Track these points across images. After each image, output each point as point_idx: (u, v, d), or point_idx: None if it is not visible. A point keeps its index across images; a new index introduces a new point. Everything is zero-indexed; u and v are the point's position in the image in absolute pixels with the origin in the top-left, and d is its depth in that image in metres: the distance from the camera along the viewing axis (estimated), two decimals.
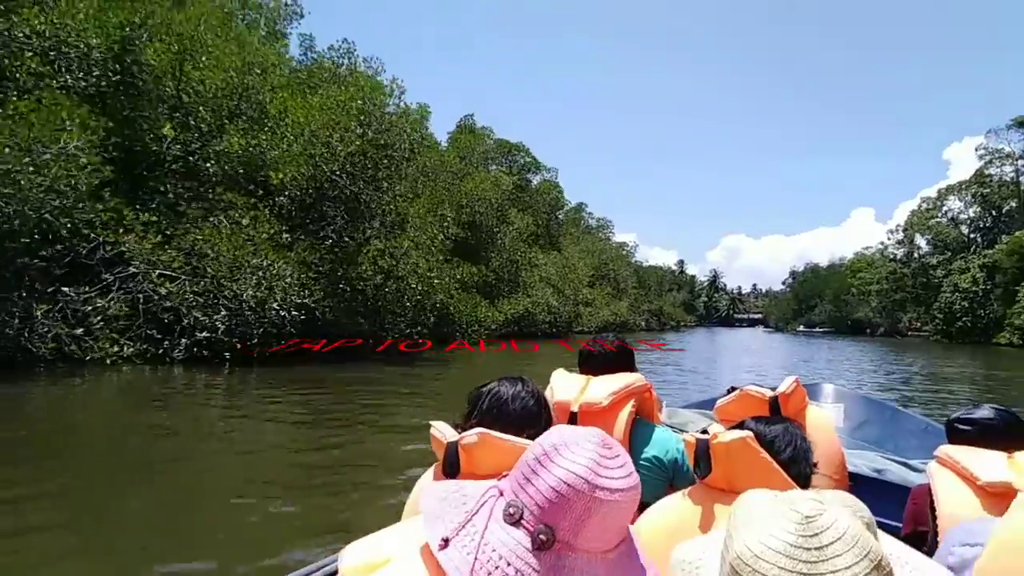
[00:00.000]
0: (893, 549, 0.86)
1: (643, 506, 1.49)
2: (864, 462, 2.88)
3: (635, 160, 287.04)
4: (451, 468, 1.34)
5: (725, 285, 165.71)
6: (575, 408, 2.10)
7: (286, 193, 16.13)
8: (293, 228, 16.05)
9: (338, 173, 15.93)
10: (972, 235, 69.92)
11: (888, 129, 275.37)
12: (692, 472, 1.61)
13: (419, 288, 18.92)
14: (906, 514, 1.99)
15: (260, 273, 14.05)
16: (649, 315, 75.97)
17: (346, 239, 16.36)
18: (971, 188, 67.34)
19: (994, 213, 67.16)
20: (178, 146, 15.46)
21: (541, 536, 0.82)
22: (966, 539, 1.22)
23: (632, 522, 1.04)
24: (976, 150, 66.82)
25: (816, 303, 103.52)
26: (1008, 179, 65.54)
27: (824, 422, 2.35)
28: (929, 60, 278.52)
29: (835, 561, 0.69)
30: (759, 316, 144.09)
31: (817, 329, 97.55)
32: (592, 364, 2.35)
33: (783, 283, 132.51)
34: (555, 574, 0.82)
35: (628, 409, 2.10)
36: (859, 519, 0.75)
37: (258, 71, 16.74)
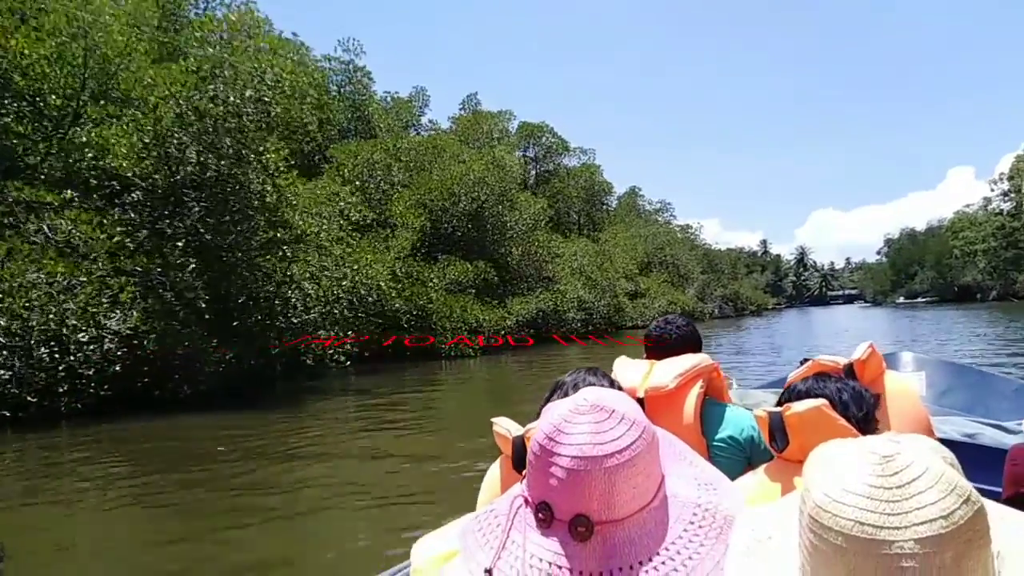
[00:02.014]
0: (990, 508, 0.75)
1: None
2: (953, 427, 2.72)
3: (712, 145, 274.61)
4: (520, 462, 1.36)
5: (815, 262, 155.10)
6: (641, 394, 2.00)
7: (135, 189, 12.46)
8: (138, 230, 12.33)
9: (189, 146, 12.02)
10: None
11: (982, 77, 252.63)
12: (768, 448, 1.57)
13: (323, 293, 14.90)
14: (1006, 477, 1.91)
15: (55, 294, 10.33)
16: (722, 301, 69.32)
17: (209, 238, 12.41)
18: None
19: None
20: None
21: (579, 528, 0.81)
22: None
23: None
24: None
25: (916, 271, 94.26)
26: None
27: (906, 387, 2.11)
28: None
29: (919, 498, 0.66)
30: (855, 291, 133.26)
31: (920, 299, 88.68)
32: (657, 348, 2.27)
33: (878, 253, 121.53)
34: (608, 557, 0.81)
35: (696, 390, 2.02)
36: (940, 457, 0.72)
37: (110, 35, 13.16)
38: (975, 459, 2.00)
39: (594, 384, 1.53)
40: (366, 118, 30.17)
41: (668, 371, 2.04)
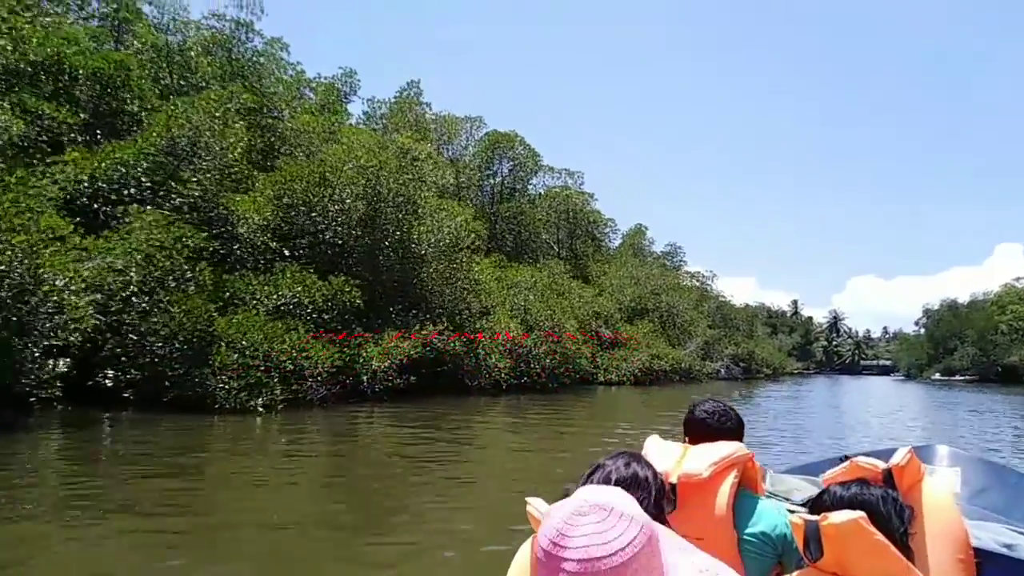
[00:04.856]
0: None
1: None
2: (990, 535, 2.59)
3: (754, 202, 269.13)
4: None
5: (850, 328, 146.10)
6: (674, 479, 1.94)
7: None
8: None
9: None
10: None
11: None
12: (800, 550, 1.57)
13: None
14: None
15: None
16: (731, 361, 61.41)
17: None
18: None
19: None
20: None
21: None
22: None
23: None
24: None
25: (956, 346, 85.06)
26: None
27: (943, 496, 2.09)
28: None
29: None
30: (889, 363, 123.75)
31: (958, 377, 79.59)
32: (697, 433, 2.25)
33: (916, 323, 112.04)
34: None
35: (731, 480, 1.96)
36: None
37: None
38: (1012, 573, 2.05)
39: (637, 470, 1.51)
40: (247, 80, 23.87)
41: (703, 458, 1.99)
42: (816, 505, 1.57)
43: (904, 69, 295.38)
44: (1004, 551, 2.42)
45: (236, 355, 14.95)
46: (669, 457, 2.03)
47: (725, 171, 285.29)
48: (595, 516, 0.88)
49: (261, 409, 14.94)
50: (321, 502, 8.07)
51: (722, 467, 1.95)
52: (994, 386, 59.51)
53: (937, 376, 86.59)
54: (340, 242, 21.14)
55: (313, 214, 20.42)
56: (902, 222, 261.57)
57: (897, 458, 1.98)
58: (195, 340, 14.45)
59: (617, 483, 1.43)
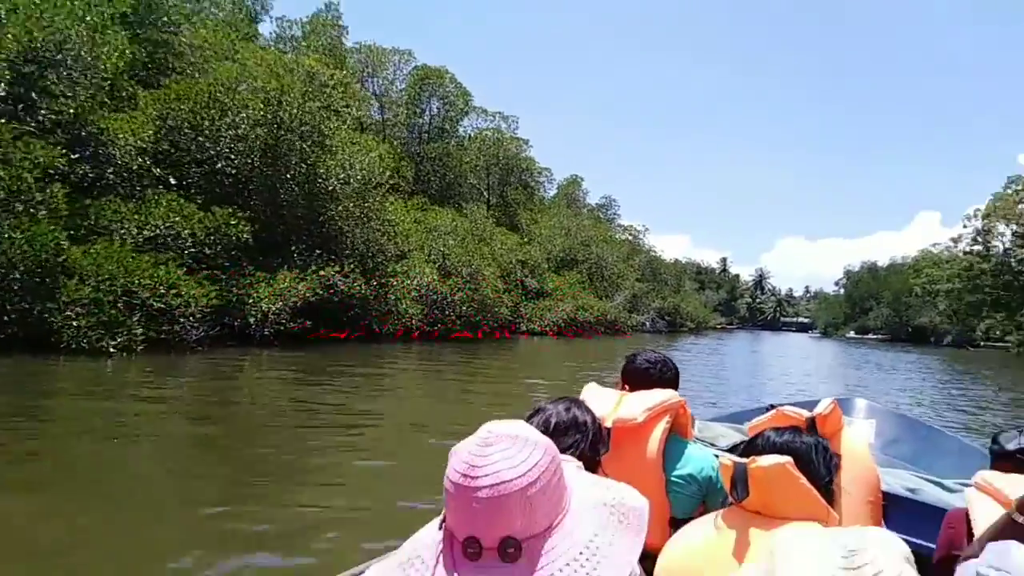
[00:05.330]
0: None
1: (675, 522, 1.80)
2: (898, 481, 2.84)
3: (687, 163, 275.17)
4: None
5: (774, 287, 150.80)
6: (608, 424, 1.96)
7: None
8: None
9: None
10: None
11: (960, 133, 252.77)
12: (724, 490, 1.63)
13: None
14: (941, 539, 1.95)
15: None
16: (657, 314, 61.84)
17: None
18: None
19: None
20: None
21: (509, 550, 0.86)
22: (996, 562, 1.11)
23: (667, 537, 1.49)
24: None
25: (871, 306, 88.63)
26: None
27: (859, 444, 2.31)
28: (1000, 56, 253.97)
29: None
30: (808, 320, 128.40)
31: (871, 336, 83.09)
32: (632, 378, 2.33)
33: (836, 284, 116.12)
34: (538, 568, 0.86)
35: (663, 426, 2.07)
36: (900, 557, 0.79)
37: None
38: (914, 515, 2.23)
39: (576, 414, 1.57)
40: None
41: (638, 405, 2.07)
42: (749, 448, 1.59)
43: (837, 36, 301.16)
44: (908, 495, 2.60)
45: (89, 289, 13.14)
46: (606, 403, 2.10)
47: (666, 132, 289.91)
48: (503, 444, 0.90)
49: (112, 350, 13.20)
50: (189, 456, 6.92)
51: (655, 413, 2.05)
52: (904, 345, 62.22)
53: (851, 334, 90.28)
54: (235, 172, 19.17)
55: (201, 139, 18.33)
56: (831, 187, 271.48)
57: (821, 408, 2.10)
58: (40, 271, 12.58)
59: (556, 426, 1.53)
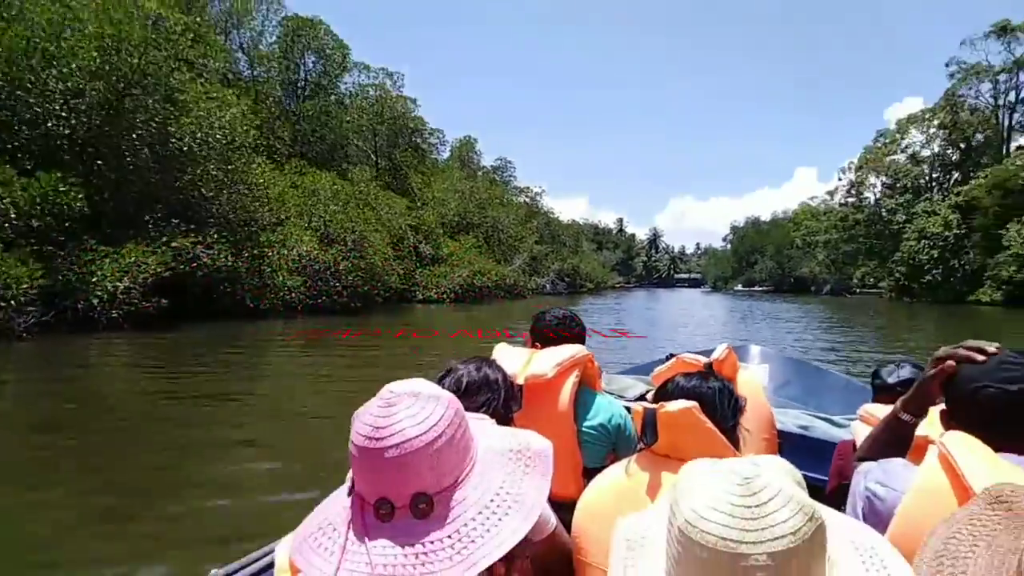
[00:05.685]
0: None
1: (588, 472, 1.81)
2: (790, 419, 3.03)
3: (582, 127, 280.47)
4: None
5: (668, 245, 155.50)
6: (520, 381, 2.01)
7: None
8: None
9: None
10: (935, 175, 57.82)
11: (830, 88, 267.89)
12: (634, 438, 1.83)
13: None
14: (832, 469, 2.20)
15: None
16: (557, 276, 61.85)
17: None
18: (939, 115, 54.69)
19: (962, 147, 54.86)
20: None
21: (420, 506, 0.87)
22: (882, 478, 1.27)
23: (581, 487, 1.48)
24: (947, 65, 54.09)
25: (757, 259, 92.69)
26: (982, 104, 53.07)
27: (754, 386, 2.42)
28: (870, 18, 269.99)
29: (774, 516, 0.75)
30: (699, 276, 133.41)
31: (757, 288, 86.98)
32: (541, 335, 2.37)
33: (724, 239, 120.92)
34: (450, 520, 0.88)
35: (572, 379, 2.12)
36: (791, 477, 0.82)
37: None
38: (807, 450, 2.40)
39: (488, 373, 1.59)
40: None
41: (547, 360, 2.12)
42: (660, 394, 1.64)
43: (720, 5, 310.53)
44: (801, 431, 2.91)
45: None
46: (517, 361, 2.13)
47: (562, 95, 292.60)
48: (406, 402, 0.90)
49: None
50: (28, 472, 5.57)
51: (565, 367, 2.10)
52: (787, 295, 65.17)
53: (739, 287, 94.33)
54: (70, 134, 16.60)
55: (19, 93, 15.64)
56: (717, 148, 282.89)
57: (717, 353, 2.23)
58: None
59: (468, 385, 1.55)
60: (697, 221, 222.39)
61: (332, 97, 32.76)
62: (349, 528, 0.89)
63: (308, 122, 30.31)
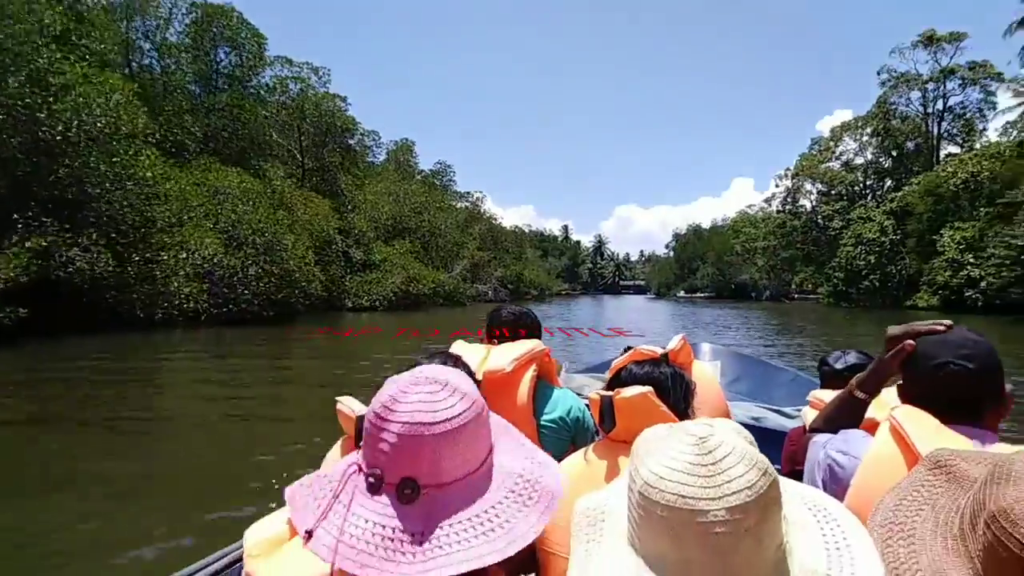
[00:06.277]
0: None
1: None
2: (742, 412, 3.08)
3: (533, 137, 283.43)
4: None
5: (613, 252, 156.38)
6: (479, 376, 2.02)
7: None
8: None
9: None
10: (869, 182, 58.73)
11: (766, 101, 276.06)
12: (593, 430, 2.02)
13: None
14: (784, 455, 2.26)
15: None
16: (498, 282, 60.32)
17: None
18: (872, 122, 55.52)
19: (894, 154, 55.82)
20: None
21: (405, 491, 0.86)
22: (842, 447, 1.32)
23: None
24: (878, 73, 54.93)
25: (698, 266, 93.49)
26: (912, 112, 54.09)
27: (708, 376, 2.42)
28: (801, 32, 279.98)
29: (729, 472, 0.77)
30: (643, 283, 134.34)
31: (698, 294, 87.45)
32: (501, 333, 2.38)
33: (666, 247, 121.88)
34: (430, 517, 0.86)
35: (530, 373, 2.12)
36: (743, 436, 0.84)
37: None
38: (759, 440, 1.97)
39: (450, 367, 1.45)
40: None
41: (505, 355, 2.12)
42: (614, 382, 1.65)
43: (664, 14, 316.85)
44: (753, 423, 2.96)
45: None
46: (475, 356, 2.11)
47: (508, 108, 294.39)
48: (428, 387, 0.90)
49: None
50: None
51: (523, 361, 2.09)
52: (728, 302, 65.47)
53: (682, 294, 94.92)
54: None
55: None
56: (659, 158, 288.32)
57: (672, 344, 2.15)
58: None
59: None
60: (641, 228, 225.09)
61: (248, 90, 30.37)
62: (342, 484, 0.89)
63: (219, 116, 27.94)
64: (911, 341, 1.37)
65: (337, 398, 1.48)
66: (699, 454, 0.79)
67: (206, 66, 29.49)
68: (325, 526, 0.86)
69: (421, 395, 0.88)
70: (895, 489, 1.03)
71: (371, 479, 0.87)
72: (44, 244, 14.58)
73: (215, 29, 28.74)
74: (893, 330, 1.43)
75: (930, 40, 51.16)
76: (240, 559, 1.47)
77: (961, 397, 1.27)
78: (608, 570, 0.86)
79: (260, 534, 0.95)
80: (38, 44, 15.49)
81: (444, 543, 0.84)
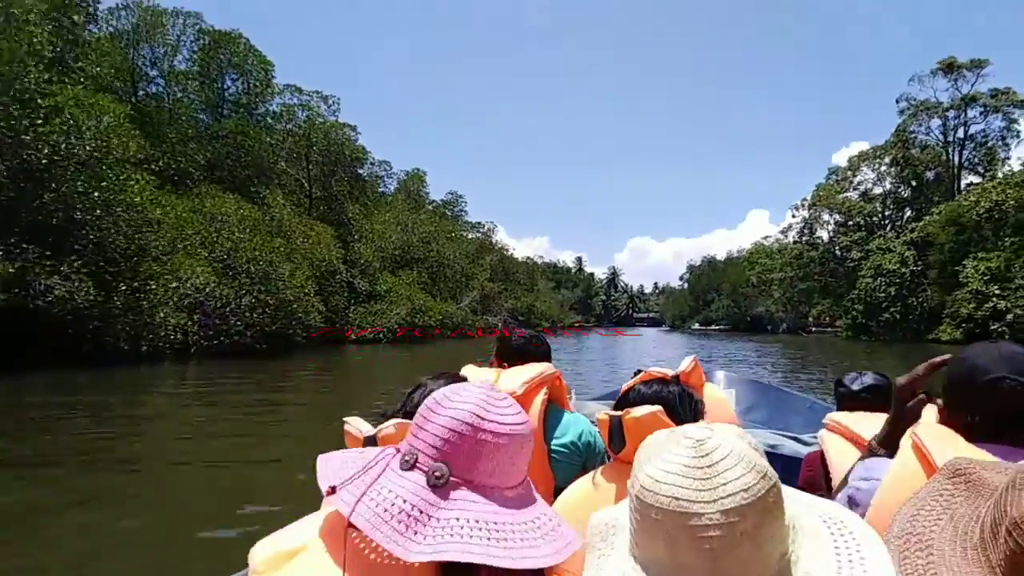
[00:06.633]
0: (785, 489, 0.88)
1: (559, 492, 1.69)
2: (758, 439, 2.23)
3: (549, 168, 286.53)
4: None
5: (627, 284, 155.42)
6: None
7: None
8: None
9: None
10: (887, 212, 57.57)
11: (782, 133, 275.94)
12: (604, 454, 1.97)
13: None
14: (800, 480, 2.14)
15: None
16: (510, 314, 59.33)
17: None
18: (891, 151, 54.53)
19: (914, 184, 54.70)
20: None
21: (436, 474, 0.86)
22: (864, 474, 1.31)
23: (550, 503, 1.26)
24: (897, 102, 54.10)
25: (713, 298, 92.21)
26: (932, 141, 53.09)
27: (719, 397, 2.49)
28: (817, 63, 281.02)
29: (725, 475, 0.76)
30: (658, 315, 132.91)
31: (713, 327, 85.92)
32: (507, 355, 2.36)
33: (681, 278, 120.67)
34: (451, 505, 0.86)
35: (541, 397, 2.09)
36: (745, 440, 0.82)
37: None
38: (776, 468, 1.96)
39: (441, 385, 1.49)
40: None
41: (516, 378, 2.10)
42: (622, 402, 1.65)
43: (679, 48, 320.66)
44: (769, 450, 2.78)
45: None
46: (484, 379, 1.97)
47: (523, 143, 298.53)
48: (490, 392, 0.93)
49: None
50: None
51: (534, 384, 2.07)
52: (743, 335, 63.94)
53: (696, 326, 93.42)
54: None
55: None
56: (673, 191, 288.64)
57: (684, 365, 2.25)
58: None
59: None
60: (655, 260, 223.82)
61: (255, 118, 30.01)
62: (375, 462, 0.90)
63: (223, 143, 27.50)
64: (923, 396, 1.38)
65: (345, 419, 1.44)
66: (695, 456, 0.78)
67: (213, 93, 29.19)
68: (350, 488, 0.86)
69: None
70: (912, 500, 1.00)
71: (407, 457, 0.88)
72: (11, 271, 13.79)
73: (222, 56, 28.46)
74: (901, 380, 1.41)
75: (950, 67, 50.38)
76: None
77: (1021, 412, 1.23)
78: None
79: (267, 550, 0.92)
80: (26, 64, 14.93)
81: (456, 534, 0.82)
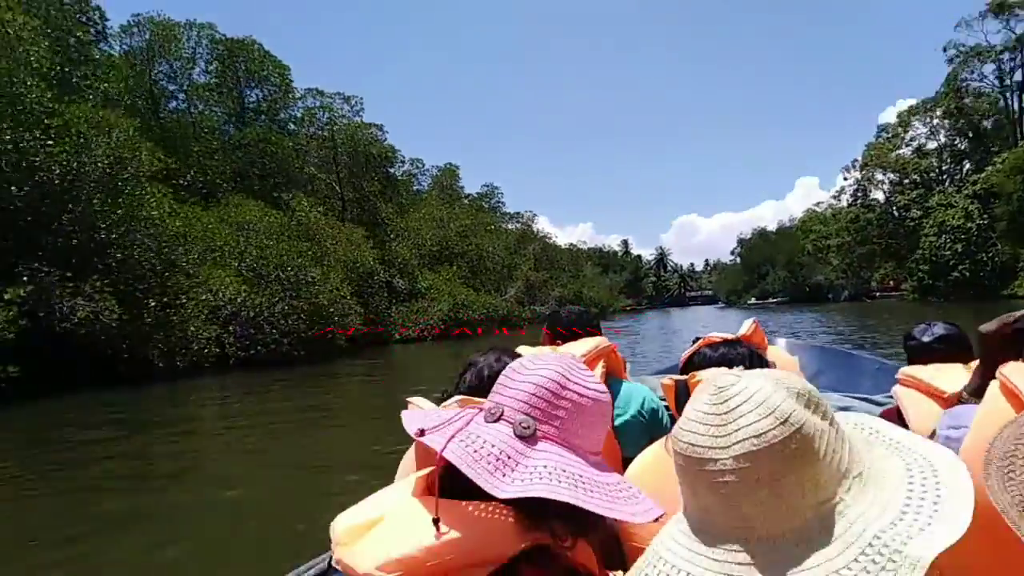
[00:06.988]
0: (856, 437, 0.85)
1: (626, 461, 1.69)
2: (829, 402, 2.76)
3: (588, 153, 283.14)
4: None
5: (676, 263, 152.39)
6: None
7: None
8: None
9: None
10: (945, 167, 54.33)
11: (824, 96, 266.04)
12: (670, 422, 1.92)
13: None
14: None
15: None
16: (557, 302, 58.36)
17: None
18: (943, 103, 51.38)
19: (971, 134, 51.43)
20: None
21: (523, 424, 0.87)
22: (952, 423, 1.30)
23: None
24: (944, 50, 50.88)
25: (768, 271, 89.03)
26: (987, 88, 49.75)
27: (786, 359, 2.39)
28: (855, 22, 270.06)
29: (739, 421, 0.75)
30: (711, 293, 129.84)
31: (771, 300, 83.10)
32: (560, 330, 2.36)
33: (732, 253, 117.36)
34: (537, 454, 0.87)
35: (599, 369, 2.10)
36: (783, 387, 0.78)
37: None
38: None
39: (507, 362, 1.41)
40: None
41: (572, 352, 2.03)
42: (687, 366, 1.63)
43: (717, 24, 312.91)
44: (841, 412, 2.28)
45: None
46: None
47: (561, 130, 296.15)
48: (575, 361, 0.94)
49: None
50: None
51: (591, 357, 2.04)
52: (804, 305, 61.38)
53: (753, 300, 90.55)
54: None
55: None
56: (717, 165, 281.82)
57: (744, 328, 2.14)
58: None
59: (490, 378, 1.49)
60: (704, 237, 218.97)
61: (277, 123, 29.76)
62: (460, 416, 0.91)
63: (247, 152, 27.29)
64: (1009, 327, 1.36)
65: (409, 399, 1.42)
66: (715, 403, 0.77)
67: (233, 102, 29.04)
68: (438, 432, 0.88)
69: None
70: (1013, 423, 0.95)
71: (493, 410, 0.89)
72: (23, 295, 13.54)
73: (239, 64, 28.25)
74: (989, 327, 1.39)
75: (1001, 7, 47.03)
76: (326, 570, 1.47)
77: None
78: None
79: (348, 522, 0.93)
80: (26, 82, 14.67)
81: (545, 478, 0.83)
